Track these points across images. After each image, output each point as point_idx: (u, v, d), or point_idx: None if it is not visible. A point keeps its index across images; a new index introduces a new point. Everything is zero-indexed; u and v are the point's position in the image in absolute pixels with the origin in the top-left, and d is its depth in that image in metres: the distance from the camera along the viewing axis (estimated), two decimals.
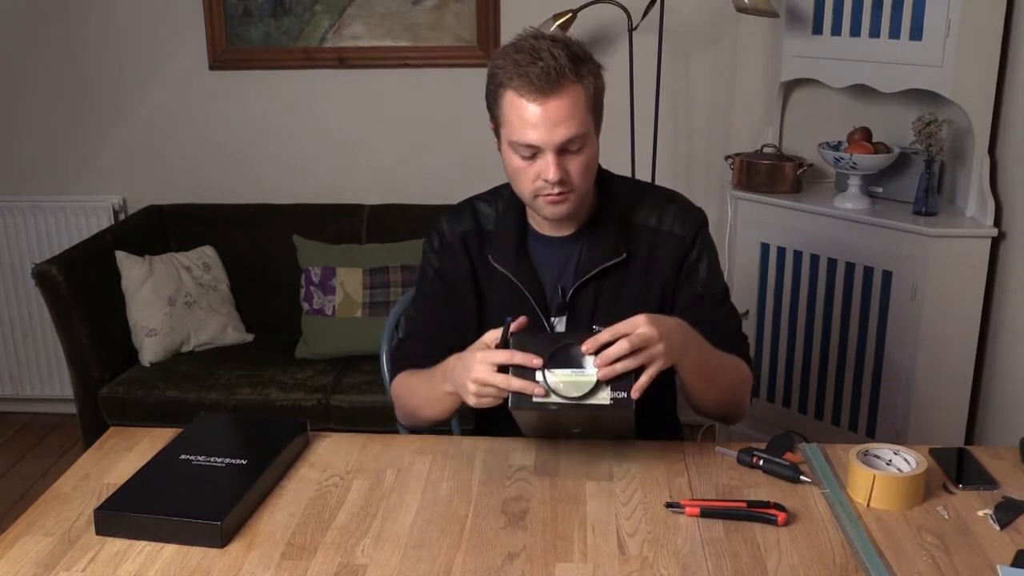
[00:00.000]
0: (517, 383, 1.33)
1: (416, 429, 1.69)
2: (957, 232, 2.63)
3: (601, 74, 1.50)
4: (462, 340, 1.56)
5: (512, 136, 1.47)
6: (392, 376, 1.70)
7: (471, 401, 1.38)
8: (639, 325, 1.34)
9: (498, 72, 1.47)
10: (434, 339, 1.63)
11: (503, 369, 1.35)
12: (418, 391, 1.59)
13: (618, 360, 1.32)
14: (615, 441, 1.53)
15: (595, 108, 1.49)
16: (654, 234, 1.60)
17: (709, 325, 1.56)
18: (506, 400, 1.36)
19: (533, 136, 1.44)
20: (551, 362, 1.34)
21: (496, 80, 1.48)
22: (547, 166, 1.45)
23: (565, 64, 1.42)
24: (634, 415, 1.35)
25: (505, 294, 1.60)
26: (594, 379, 1.33)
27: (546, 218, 1.56)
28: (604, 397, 1.33)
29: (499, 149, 1.54)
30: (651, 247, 1.60)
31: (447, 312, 1.65)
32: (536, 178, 1.48)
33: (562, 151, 1.46)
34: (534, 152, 1.46)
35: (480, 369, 1.35)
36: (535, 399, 1.33)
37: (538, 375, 1.33)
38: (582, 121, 1.45)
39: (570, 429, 1.50)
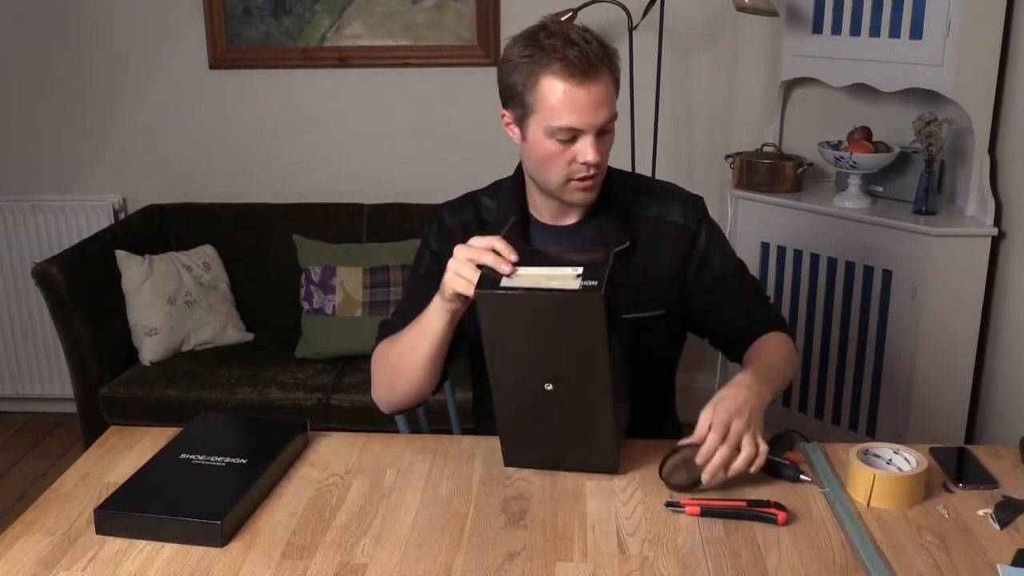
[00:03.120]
0: (490, 256, 1.34)
1: (392, 408, 1.64)
2: (957, 232, 2.63)
3: (617, 62, 1.53)
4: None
5: (552, 121, 1.46)
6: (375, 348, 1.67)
7: (446, 279, 1.39)
8: (721, 422, 1.35)
9: (526, 61, 1.46)
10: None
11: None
12: (401, 337, 1.55)
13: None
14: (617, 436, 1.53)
15: (617, 94, 1.52)
16: (657, 223, 1.62)
17: (739, 302, 1.63)
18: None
19: (576, 119, 1.45)
20: (531, 261, 1.33)
21: (526, 68, 1.46)
22: (586, 148, 1.47)
23: (598, 48, 1.46)
24: (606, 314, 1.28)
25: None
26: (566, 274, 1.31)
27: (574, 204, 1.57)
28: (573, 285, 1.29)
29: (522, 139, 1.53)
30: (655, 235, 1.62)
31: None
32: (571, 162, 1.49)
33: (598, 133, 1.48)
34: (573, 136, 1.47)
35: (462, 249, 1.37)
36: (503, 282, 1.31)
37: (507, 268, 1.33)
38: (613, 105, 1.49)
39: (541, 380, 1.38)
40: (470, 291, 1.35)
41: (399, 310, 1.68)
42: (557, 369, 1.35)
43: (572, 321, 1.30)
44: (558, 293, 1.28)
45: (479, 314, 1.33)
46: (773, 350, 1.60)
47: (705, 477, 1.35)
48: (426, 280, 1.66)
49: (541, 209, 1.62)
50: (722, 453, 1.34)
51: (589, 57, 1.43)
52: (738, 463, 1.34)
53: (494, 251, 1.35)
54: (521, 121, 1.52)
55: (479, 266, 1.36)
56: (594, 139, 1.47)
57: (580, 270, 1.31)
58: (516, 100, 1.50)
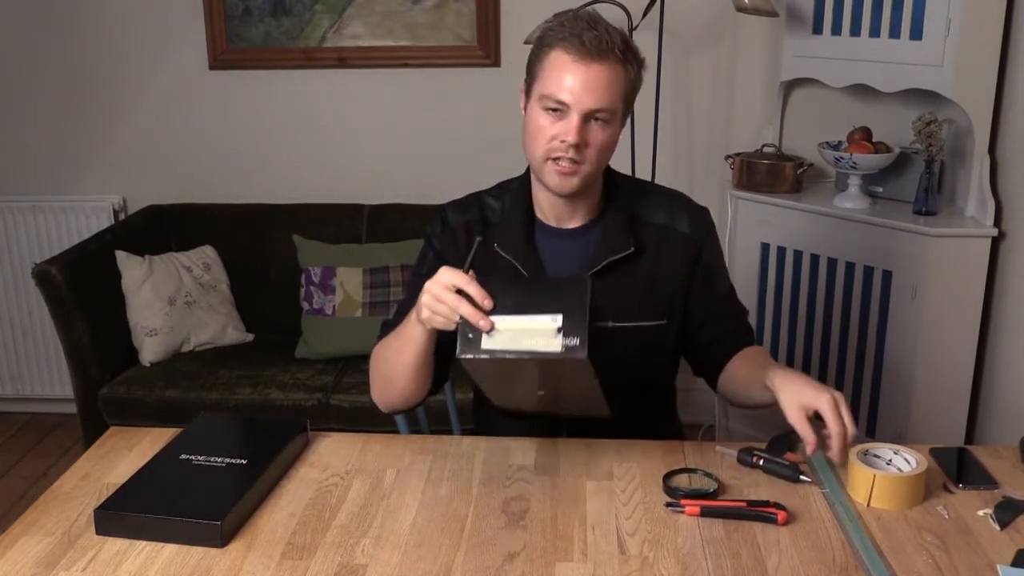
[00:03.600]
0: (466, 308, 1.30)
1: (390, 408, 1.63)
2: (957, 232, 2.63)
3: (642, 74, 1.52)
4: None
5: (545, 89, 1.47)
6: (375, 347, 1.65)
7: (422, 315, 1.36)
8: (829, 401, 1.35)
9: (549, 33, 1.49)
10: None
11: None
12: (391, 342, 1.54)
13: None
14: (614, 439, 1.53)
15: (628, 98, 1.51)
16: (663, 231, 1.62)
17: (730, 322, 1.66)
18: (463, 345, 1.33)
19: (566, 94, 1.45)
20: (508, 308, 1.30)
21: (544, 39, 1.49)
22: (568, 127, 1.46)
23: (617, 42, 1.46)
24: (593, 369, 1.30)
25: None
26: (546, 327, 1.28)
27: (551, 189, 1.54)
28: (555, 344, 1.28)
29: (524, 110, 1.54)
30: (660, 243, 1.61)
31: None
32: (553, 138, 1.48)
33: (586, 119, 1.46)
34: (560, 110, 1.46)
35: (435, 285, 1.34)
36: (482, 345, 1.29)
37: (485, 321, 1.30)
38: (615, 98, 1.47)
39: (533, 391, 1.43)
40: (450, 327, 1.34)
41: (400, 310, 1.66)
42: (547, 385, 1.40)
43: (558, 369, 1.32)
44: (541, 355, 1.28)
45: (464, 367, 1.34)
46: (769, 359, 1.61)
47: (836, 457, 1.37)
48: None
49: (547, 211, 1.61)
50: (850, 433, 1.35)
51: (602, 43, 1.44)
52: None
53: (468, 297, 1.31)
54: (527, 93, 1.53)
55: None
56: (579, 121, 1.45)
57: (559, 320, 1.28)
58: (529, 70, 1.53)
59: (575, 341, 1.27)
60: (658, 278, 1.61)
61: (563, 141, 1.47)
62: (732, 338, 1.65)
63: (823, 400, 1.35)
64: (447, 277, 1.34)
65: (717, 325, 1.65)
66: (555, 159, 1.49)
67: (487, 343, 1.29)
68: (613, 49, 1.45)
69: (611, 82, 1.46)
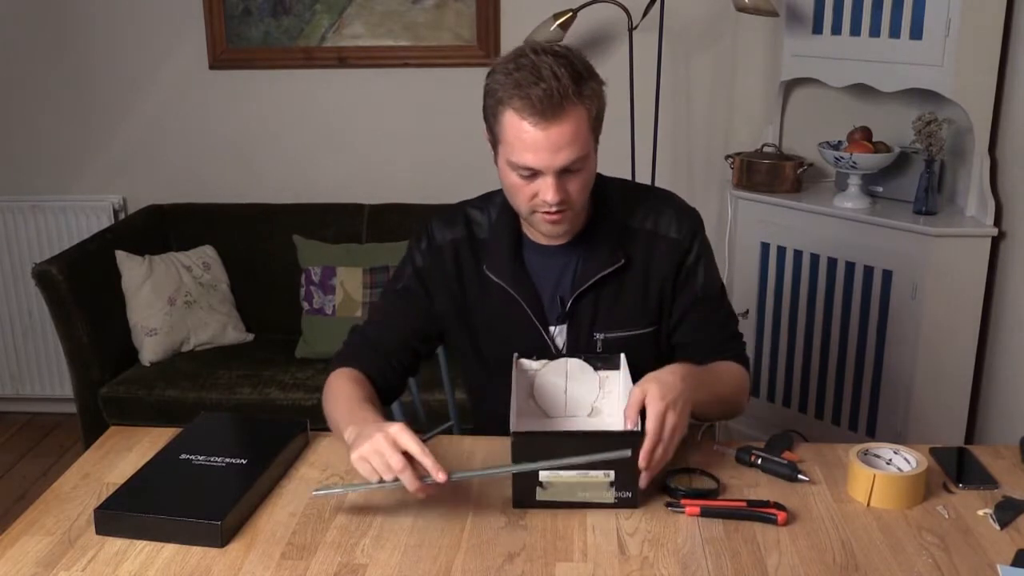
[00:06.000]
0: (430, 461, 1.27)
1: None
2: (957, 231, 2.63)
3: (603, 91, 1.46)
4: (422, 343, 1.62)
5: (511, 157, 1.43)
6: (338, 361, 1.62)
7: (352, 456, 1.30)
8: (659, 414, 1.30)
9: (497, 88, 1.42)
10: (395, 328, 1.62)
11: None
12: (336, 410, 1.49)
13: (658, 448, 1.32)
14: None
15: (596, 127, 1.46)
16: (651, 237, 1.59)
17: (708, 327, 1.60)
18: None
19: (533, 160, 1.41)
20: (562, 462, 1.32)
21: (495, 96, 1.43)
22: (547, 188, 1.43)
23: (568, 85, 1.38)
24: None
25: (500, 304, 1.59)
26: (599, 481, 1.33)
27: (543, 234, 1.55)
28: (608, 496, 1.34)
29: (495, 162, 1.51)
30: (648, 251, 1.59)
31: (414, 309, 1.63)
32: (534, 196, 1.46)
33: (562, 172, 1.43)
34: (533, 173, 1.44)
35: (392, 435, 1.28)
36: (538, 497, 1.34)
37: (543, 475, 1.33)
38: (584, 144, 1.43)
39: None
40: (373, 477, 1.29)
41: (371, 320, 1.67)
42: None
43: None
44: (595, 505, 1.35)
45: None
46: (725, 370, 1.56)
47: (643, 483, 1.33)
48: (402, 296, 1.64)
49: (533, 229, 1.59)
50: (659, 456, 1.32)
51: (553, 96, 1.36)
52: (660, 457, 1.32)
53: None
54: (493, 145, 1.50)
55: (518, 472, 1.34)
56: (555, 179, 1.43)
57: (612, 475, 1.33)
58: (487, 123, 1.49)
59: (627, 494, 1.34)
60: (648, 285, 1.59)
61: (545, 200, 1.45)
62: (706, 346, 1.60)
63: (659, 404, 1.30)
64: (404, 437, 1.28)
65: (692, 328, 1.61)
66: (543, 212, 1.48)
67: (542, 495, 1.34)
68: (567, 95, 1.37)
69: (575, 132, 1.40)
